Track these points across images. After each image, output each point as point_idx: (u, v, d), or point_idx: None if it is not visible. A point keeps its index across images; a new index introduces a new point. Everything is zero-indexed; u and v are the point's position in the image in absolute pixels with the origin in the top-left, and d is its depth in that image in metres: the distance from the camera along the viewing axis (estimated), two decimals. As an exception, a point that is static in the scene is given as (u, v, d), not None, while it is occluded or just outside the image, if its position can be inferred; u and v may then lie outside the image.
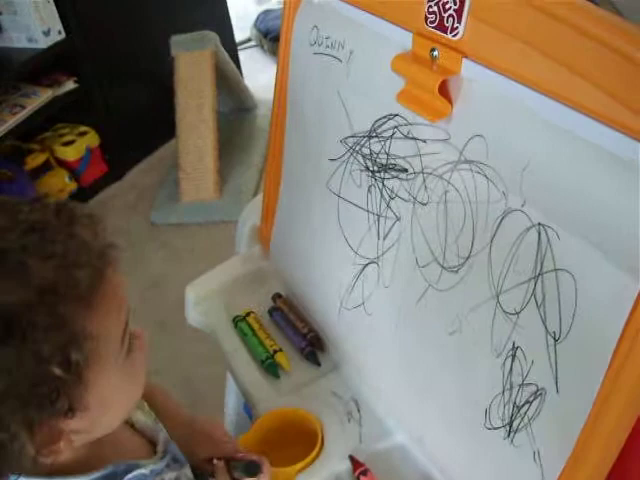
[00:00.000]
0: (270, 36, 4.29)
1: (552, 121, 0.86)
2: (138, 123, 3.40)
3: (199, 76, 3.14)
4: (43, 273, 0.70)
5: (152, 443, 0.95)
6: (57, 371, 0.69)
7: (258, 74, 3.95)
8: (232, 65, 3.47)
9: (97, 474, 0.81)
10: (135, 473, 0.84)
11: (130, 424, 0.95)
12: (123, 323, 0.79)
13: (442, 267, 1.06)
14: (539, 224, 0.89)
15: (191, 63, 3.13)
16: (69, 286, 0.71)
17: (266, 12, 4.50)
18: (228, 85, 3.48)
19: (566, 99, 0.85)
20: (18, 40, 3.00)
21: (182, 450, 1.01)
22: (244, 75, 3.84)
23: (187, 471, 0.95)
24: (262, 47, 4.42)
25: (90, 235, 0.76)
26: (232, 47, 3.81)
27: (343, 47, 1.22)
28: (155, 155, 3.57)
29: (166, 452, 0.93)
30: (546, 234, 0.88)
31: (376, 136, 1.17)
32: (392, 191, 1.15)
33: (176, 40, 3.16)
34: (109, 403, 0.80)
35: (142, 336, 0.86)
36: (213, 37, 3.19)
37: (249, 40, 4.52)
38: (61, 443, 0.76)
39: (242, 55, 4.05)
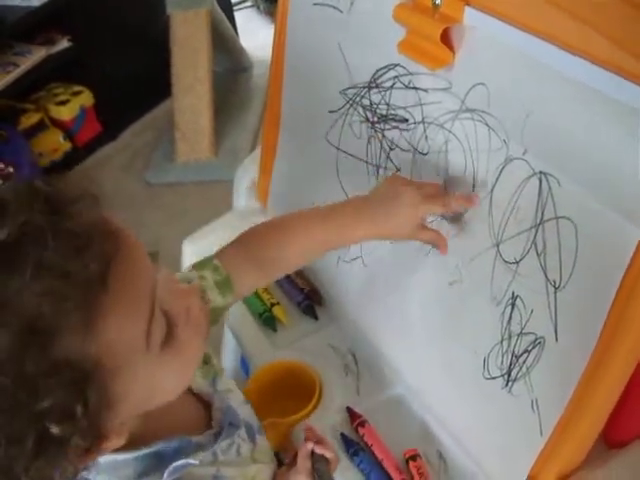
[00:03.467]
0: (266, -4, 4.25)
1: (555, 68, 0.86)
2: (133, 82, 3.37)
3: (195, 35, 3.11)
4: (21, 311, 0.57)
5: (208, 406, 0.89)
6: (55, 428, 0.59)
7: (254, 34, 3.92)
8: (228, 24, 3.44)
9: (144, 451, 0.76)
10: (181, 463, 0.77)
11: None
12: (145, 320, 0.66)
13: (442, 217, 1.05)
14: (540, 172, 0.89)
15: (187, 22, 3.10)
16: (58, 318, 0.58)
17: (262, -28, 4.45)
18: (224, 45, 3.45)
19: (569, 46, 0.84)
20: (11, -2, 2.97)
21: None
22: (240, 35, 3.80)
23: (241, 432, 0.90)
24: (258, 7, 4.38)
25: (79, 239, 0.60)
26: (228, 7, 3.77)
27: (343, -3, 1.21)
28: (150, 115, 3.55)
29: (222, 423, 0.87)
30: (547, 182, 0.88)
31: (376, 87, 1.16)
32: (392, 142, 1.14)
33: (171, -1, 3.13)
34: (151, 396, 0.71)
35: (188, 303, 0.73)
36: (209, -4, 3.16)
37: (245, 0, 4.48)
38: (109, 441, 0.67)
39: (238, 15, 4.01)
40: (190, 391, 0.88)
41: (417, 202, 1.00)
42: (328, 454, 0.96)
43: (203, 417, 0.88)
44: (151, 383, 0.69)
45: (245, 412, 0.96)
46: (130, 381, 0.66)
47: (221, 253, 1.00)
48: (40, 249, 0.58)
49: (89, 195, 0.65)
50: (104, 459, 0.73)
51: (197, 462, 0.79)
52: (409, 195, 1.01)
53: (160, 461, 0.77)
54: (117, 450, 0.72)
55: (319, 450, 0.97)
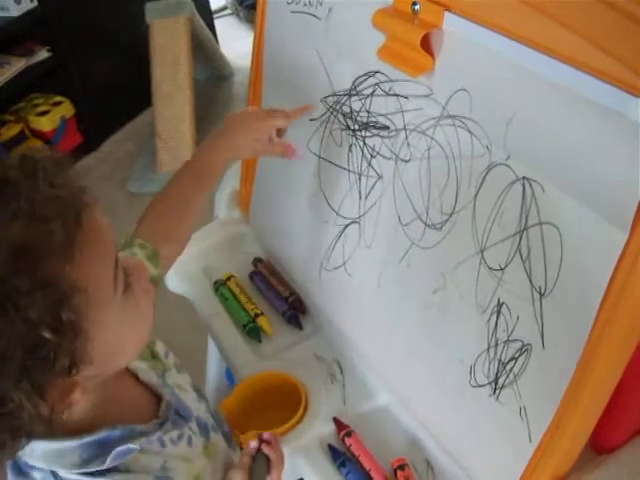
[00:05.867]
0: (246, 3, 4.24)
1: (537, 73, 0.85)
2: (113, 92, 3.36)
3: (174, 43, 3.10)
4: (13, 234, 0.65)
5: (158, 397, 0.92)
6: (48, 334, 0.66)
7: (234, 42, 3.91)
8: (208, 32, 3.43)
9: (89, 438, 0.78)
10: (122, 448, 0.80)
11: (134, 376, 0.92)
12: (112, 265, 0.75)
13: (425, 224, 1.05)
14: (523, 178, 0.88)
15: (166, 30, 3.09)
16: (43, 242, 0.66)
17: (241, -21, 4.45)
18: (204, 53, 3.44)
19: (551, 50, 0.83)
20: (-11, 9, 2.95)
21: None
22: (220, 43, 3.79)
23: (192, 425, 0.92)
24: (238, 15, 4.37)
25: (58, 183, 0.70)
26: (208, 15, 3.76)
27: (321, 4, 1.20)
28: (131, 124, 3.54)
29: (168, 413, 0.89)
30: (531, 188, 0.87)
31: (356, 94, 1.15)
32: (373, 149, 1.13)
33: (151, 7, 3.11)
34: (117, 345, 0.77)
35: (140, 267, 0.84)
36: (188, 4, 3.14)
37: (225, 8, 4.47)
38: (76, 393, 0.73)
39: (218, 23, 4.01)
40: (139, 381, 0.92)
41: (265, 116, 1.21)
42: (273, 455, 0.97)
43: (152, 410, 0.90)
44: (116, 331, 0.76)
45: (199, 409, 0.98)
46: (100, 318, 0.72)
47: (137, 233, 1.09)
48: (27, 186, 0.67)
49: (57, 158, 0.74)
50: (49, 446, 0.78)
51: (137, 447, 0.81)
52: (257, 112, 1.23)
53: (104, 448, 0.79)
54: (62, 437, 0.78)
55: (266, 450, 0.97)
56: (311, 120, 1.26)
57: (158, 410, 0.90)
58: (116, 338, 0.77)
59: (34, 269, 0.65)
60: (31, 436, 0.74)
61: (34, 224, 0.66)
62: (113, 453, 0.79)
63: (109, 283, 0.74)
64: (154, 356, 0.98)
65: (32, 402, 0.68)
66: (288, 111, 1.22)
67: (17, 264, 0.64)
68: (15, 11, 2.92)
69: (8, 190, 0.67)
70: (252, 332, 1.37)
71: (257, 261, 1.51)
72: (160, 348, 1.00)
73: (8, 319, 0.64)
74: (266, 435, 0.99)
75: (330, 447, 1.15)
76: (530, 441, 0.92)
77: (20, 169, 0.69)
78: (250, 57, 1.43)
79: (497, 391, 0.96)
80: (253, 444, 0.98)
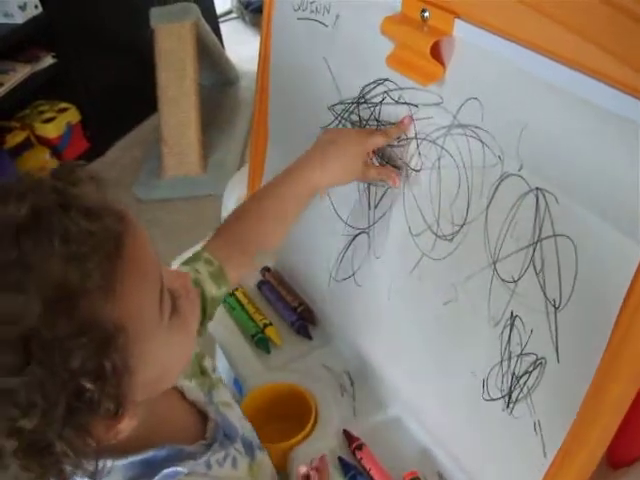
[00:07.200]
0: (251, 7, 4.23)
1: (549, 81, 0.83)
2: (119, 98, 3.35)
3: (180, 49, 3.08)
4: (48, 281, 0.60)
5: (204, 419, 0.89)
6: (90, 385, 0.62)
7: (240, 46, 3.90)
8: (214, 37, 3.41)
9: (136, 457, 0.76)
10: (170, 471, 0.77)
11: (180, 392, 0.89)
12: (157, 290, 0.71)
13: (436, 235, 1.03)
14: (537, 189, 0.87)
15: (171, 35, 3.07)
16: (81, 284, 0.61)
17: (247, -17, 4.44)
18: (210, 58, 3.42)
19: (564, 58, 0.82)
20: (-6, 15, 2.94)
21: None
22: (226, 48, 3.78)
23: (237, 445, 0.90)
24: (243, 19, 4.37)
25: (95, 211, 0.65)
26: (213, 19, 3.75)
27: (329, 11, 1.19)
28: (137, 130, 3.53)
29: (216, 434, 0.87)
30: (544, 199, 0.86)
31: (365, 102, 1.14)
32: (383, 158, 1.12)
33: (156, 12, 3.10)
34: (165, 369, 0.75)
35: (184, 280, 0.79)
36: (194, 9, 3.13)
37: (230, 12, 4.46)
38: (123, 423, 0.69)
39: (223, 27, 4.00)
40: (185, 400, 0.89)
41: (362, 139, 1.08)
42: None
43: (199, 429, 0.88)
44: (163, 355, 0.73)
45: (244, 428, 0.95)
46: (147, 350, 0.69)
47: (208, 246, 1.05)
48: (61, 221, 0.62)
49: (92, 178, 0.69)
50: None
51: (185, 470, 0.79)
52: (354, 134, 1.11)
53: (149, 469, 0.77)
54: (107, 456, 0.73)
55: (315, 477, 0.96)
56: (319, 128, 1.24)
57: (204, 429, 0.87)
58: (164, 364, 0.74)
59: (74, 312, 0.61)
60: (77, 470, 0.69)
61: (69, 265, 0.61)
62: (160, 475, 0.77)
63: (155, 311, 0.71)
64: (203, 372, 0.95)
65: (76, 448, 0.64)
66: (386, 130, 1.08)
67: (56, 310, 0.60)
68: (20, 18, 2.91)
69: (41, 226, 0.62)
70: (261, 343, 1.35)
71: (265, 270, 1.50)
72: (208, 363, 0.98)
73: (49, 370, 0.60)
74: (316, 462, 0.98)
75: (340, 460, 1.14)
76: (545, 456, 0.91)
77: (55, 197, 0.64)
78: (256, 61, 1.42)
79: (511, 405, 0.95)
80: (303, 470, 0.97)
